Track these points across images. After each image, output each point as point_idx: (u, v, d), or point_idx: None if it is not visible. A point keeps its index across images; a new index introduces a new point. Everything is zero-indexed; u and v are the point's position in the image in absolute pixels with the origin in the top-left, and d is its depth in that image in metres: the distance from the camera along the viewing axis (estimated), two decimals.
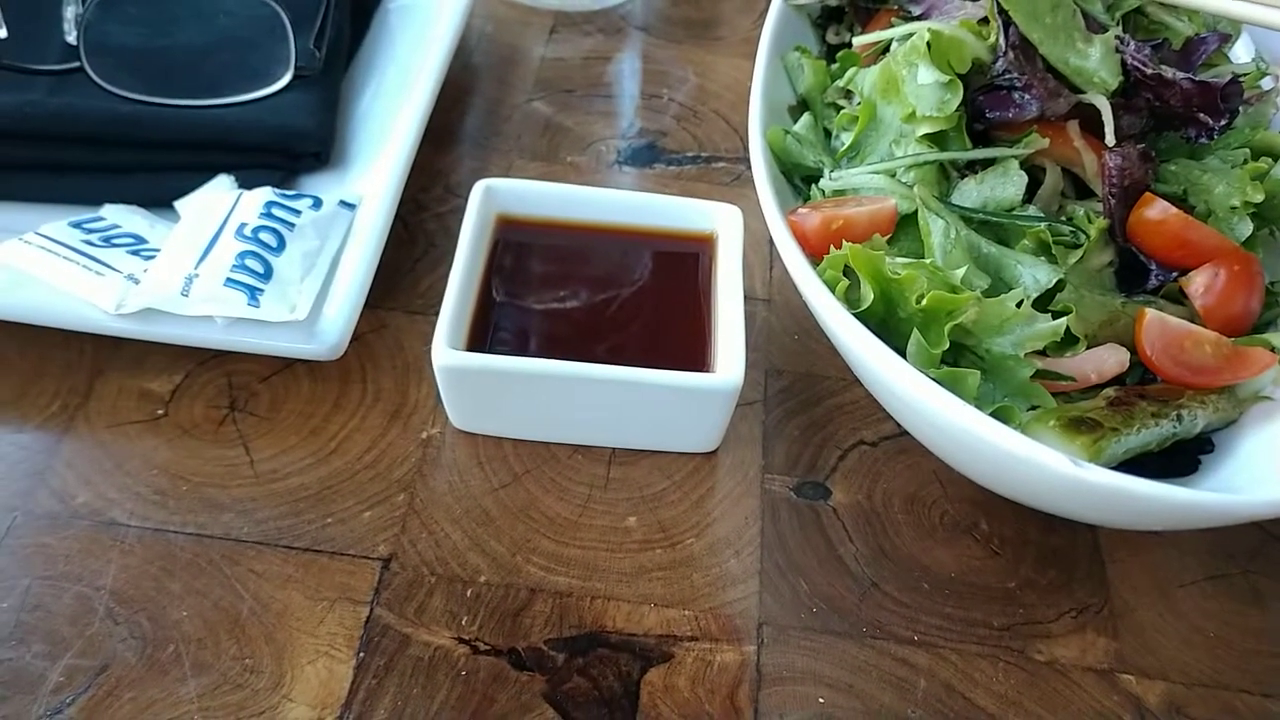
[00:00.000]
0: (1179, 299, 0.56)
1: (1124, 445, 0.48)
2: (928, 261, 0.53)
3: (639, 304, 0.61)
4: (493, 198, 0.63)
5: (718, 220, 0.63)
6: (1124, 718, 0.50)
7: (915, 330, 0.50)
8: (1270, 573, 0.56)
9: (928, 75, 0.57)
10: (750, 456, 0.59)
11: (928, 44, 0.57)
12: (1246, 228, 0.58)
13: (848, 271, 0.53)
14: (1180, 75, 0.59)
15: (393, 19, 0.81)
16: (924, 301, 0.49)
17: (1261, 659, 0.53)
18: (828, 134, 0.66)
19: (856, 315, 0.52)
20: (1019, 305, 0.50)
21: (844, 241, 0.52)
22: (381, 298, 0.64)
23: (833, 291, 0.52)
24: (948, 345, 0.50)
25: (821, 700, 0.49)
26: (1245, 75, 0.66)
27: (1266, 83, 0.69)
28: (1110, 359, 0.51)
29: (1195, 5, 0.67)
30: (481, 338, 0.58)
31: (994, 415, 0.50)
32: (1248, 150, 0.62)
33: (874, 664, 0.51)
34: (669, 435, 0.57)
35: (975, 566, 0.55)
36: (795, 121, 0.66)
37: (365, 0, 0.80)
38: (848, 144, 0.62)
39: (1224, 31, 0.68)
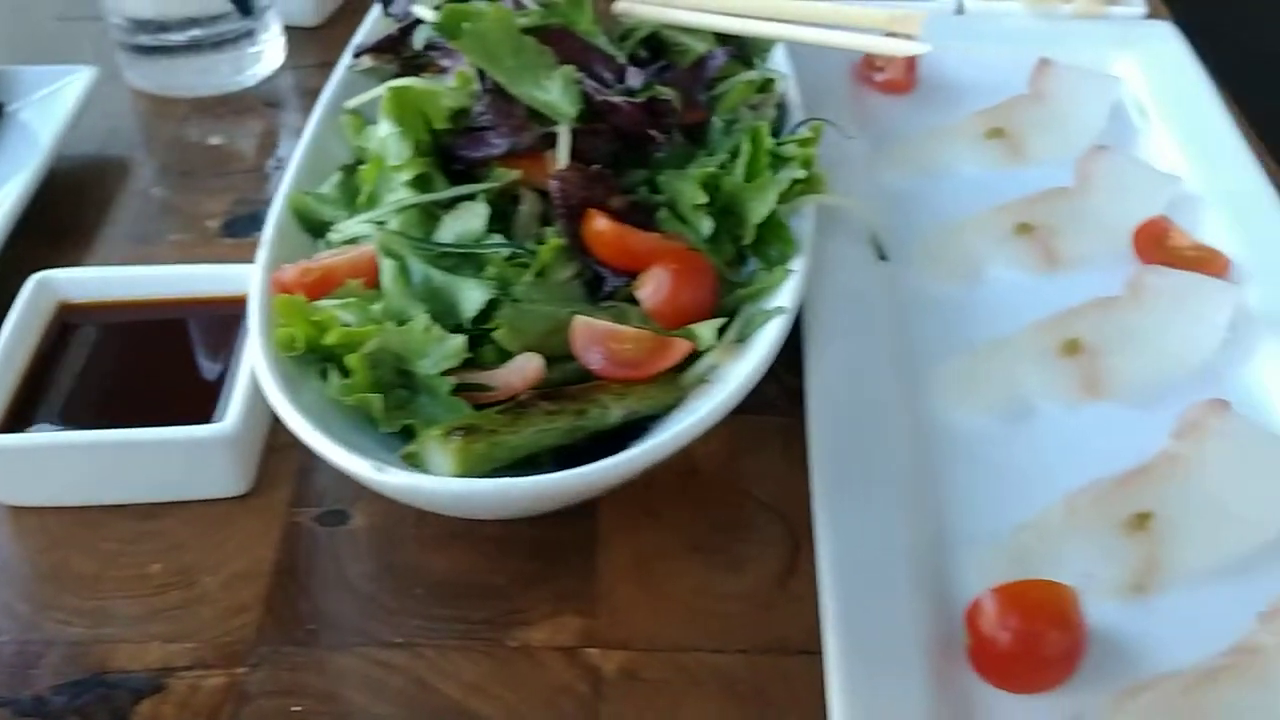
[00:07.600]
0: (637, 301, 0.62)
1: (511, 445, 0.53)
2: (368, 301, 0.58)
3: (176, 368, 0.66)
4: (49, 289, 0.68)
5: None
6: (580, 688, 0.55)
7: (337, 364, 0.56)
8: (750, 538, 0.61)
9: (386, 128, 0.63)
10: (281, 495, 0.63)
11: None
12: (708, 225, 0.64)
13: None
14: (625, 100, 0.65)
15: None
16: (334, 338, 0.55)
17: (718, 619, 0.57)
18: None
19: (298, 357, 0.57)
20: (426, 329, 0.55)
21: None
22: None
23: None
24: (366, 374, 0.55)
25: (298, 709, 0.54)
26: (742, 85, 0.73)
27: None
28: (528, 366, 0.56)
29: (694, 24, 0.74)
30: (23, 418, 0.63)
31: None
32: (727, 155, 0.67)
33: (355, 669, 0.55)
34: (190, 485, 0.62)
35: (467, 567, 0.60)
36: None
37: None
38: (364, 196, 0.67)
39: (731, 49, 0.75)
